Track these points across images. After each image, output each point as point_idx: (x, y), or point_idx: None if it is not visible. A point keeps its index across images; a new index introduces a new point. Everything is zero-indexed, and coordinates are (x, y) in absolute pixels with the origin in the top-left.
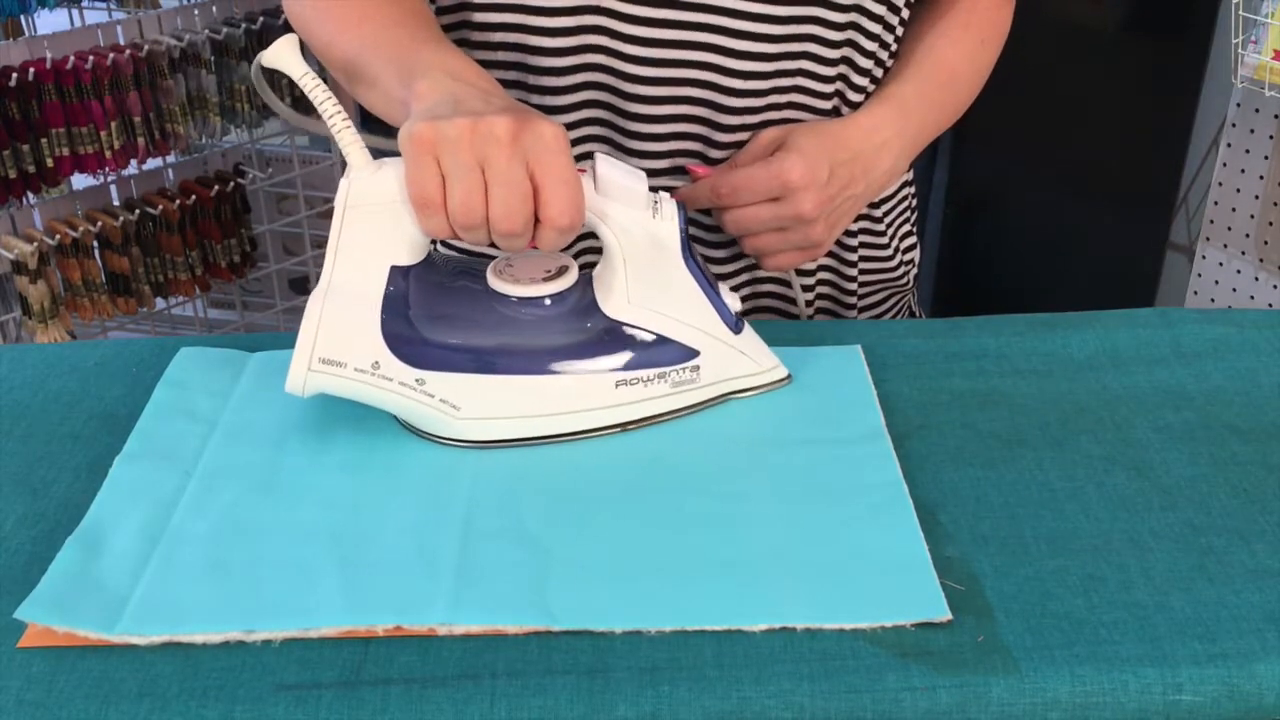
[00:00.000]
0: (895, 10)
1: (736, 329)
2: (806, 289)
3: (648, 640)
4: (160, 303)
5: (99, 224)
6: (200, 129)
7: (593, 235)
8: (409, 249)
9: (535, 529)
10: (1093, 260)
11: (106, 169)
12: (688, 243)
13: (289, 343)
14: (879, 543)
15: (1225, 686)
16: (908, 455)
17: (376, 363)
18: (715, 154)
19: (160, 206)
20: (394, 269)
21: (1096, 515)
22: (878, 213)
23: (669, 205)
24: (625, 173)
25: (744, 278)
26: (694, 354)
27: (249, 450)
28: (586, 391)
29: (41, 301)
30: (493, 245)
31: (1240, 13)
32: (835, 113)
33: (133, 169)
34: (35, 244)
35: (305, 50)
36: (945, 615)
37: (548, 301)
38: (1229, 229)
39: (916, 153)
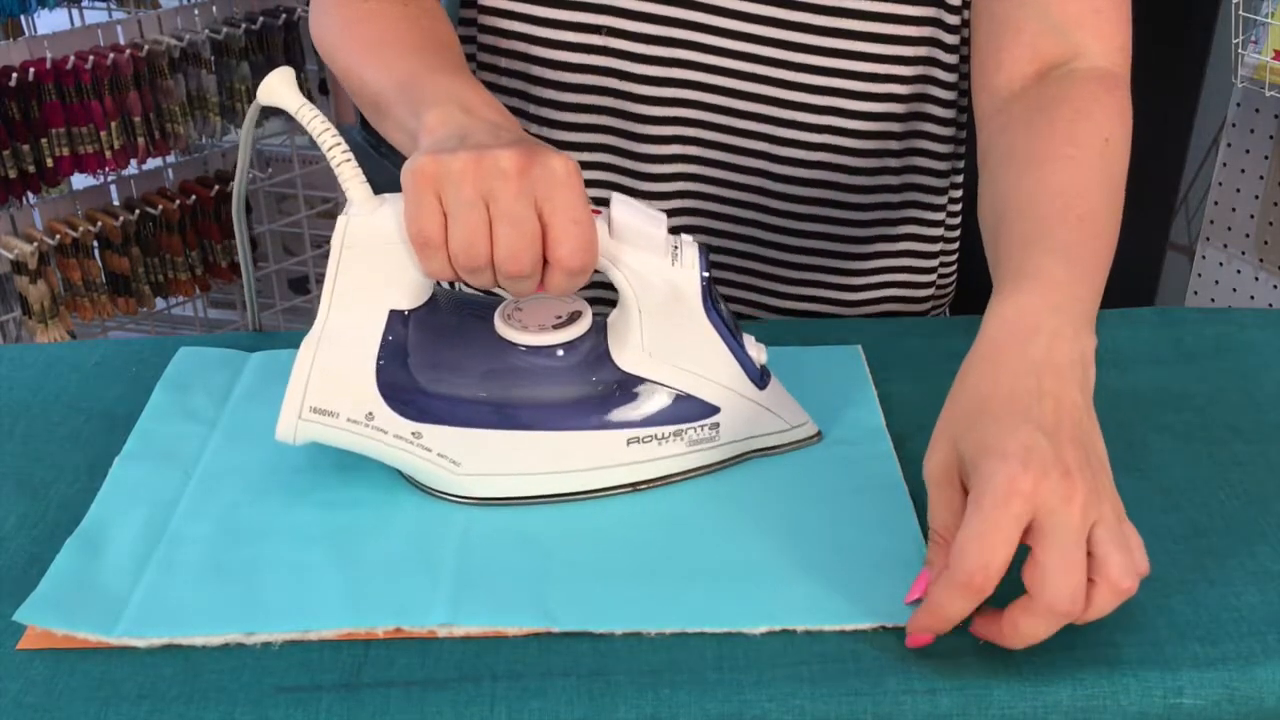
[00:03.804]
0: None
1: (761, 384)
2: (864, 288)
3: (648, 642)
4: (160, 303)
5: (99, 224)
6: (200, 129)
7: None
8: (410, 292)
9: (535, 530)
10: None
11: (106, 169)
12: (710, 291)
13: (288, 342)
14: (880, 544)
15: (1226, 690)
16: (908, 455)
17: (370, 414)
18: (716, 190)
19: (160, 206)
20: (393, 313)
21: None
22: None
23: (690, 250)
24: (643, 216)
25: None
26: (714, 410)
27: (248, 451)
28: (594, 449)
29: (41, 301)
30: (498, 288)
31: (1240, 13)
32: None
33: (133, 169)
34: (35, 244)
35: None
36: None
37: (559, 352)
38: (1229, 229)
39: (1091, 316)
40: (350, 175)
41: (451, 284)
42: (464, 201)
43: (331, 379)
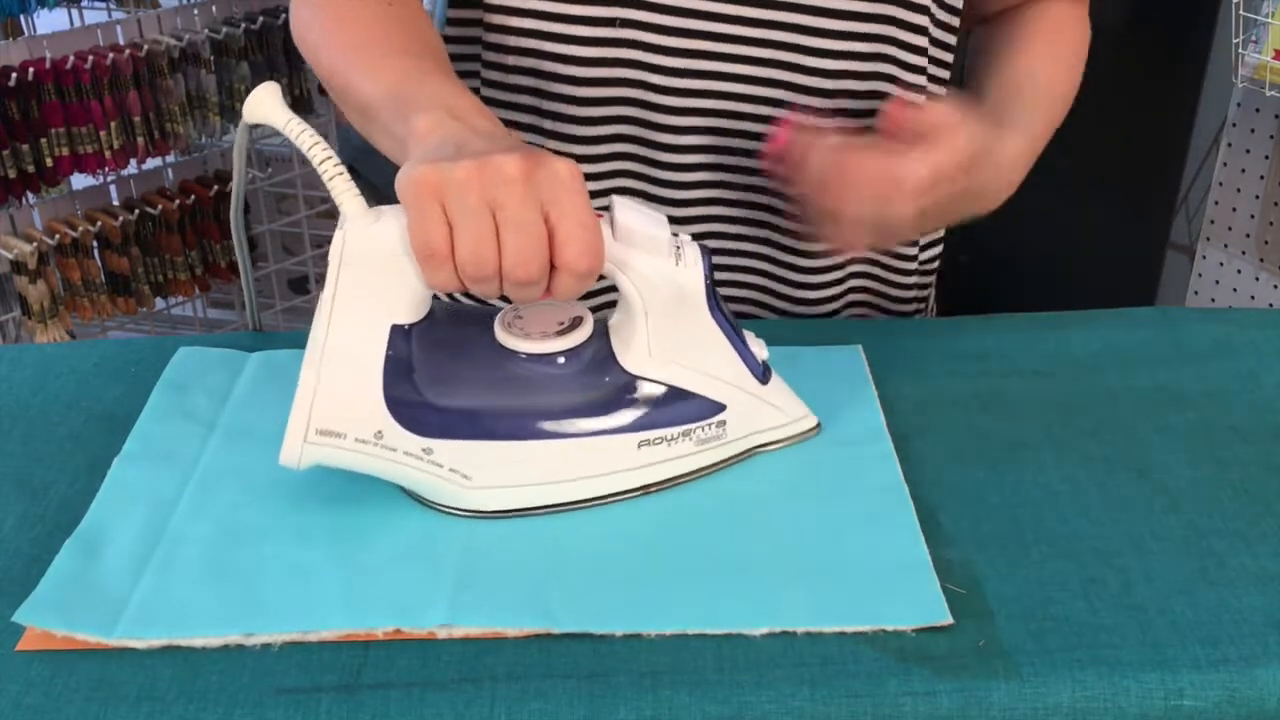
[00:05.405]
0: (930, 32)
1: (763, 379)
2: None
3: (648, 644)
4: (160, 303)
5: (98, 224)
6: (200, 129)
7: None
8: (411, 306)
9: (535, 532)
10: (1093, 260)
11: (106, 169)
12: (713, 290)
13: (288, 342)
14: (880, 545)
15: (1227, 691)
16: (908, 456)
17: (380, 432)
18: (741, 178)
19: (160, 206)
20: (395, 328)
21: (1098, 517)
22: None
23: (692, 250)
24: (645, 218)
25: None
26: (720, 408)
27: (248, 452)
28: (607, 454)
29: (41, 301)
30: (503, 298)
31: (1240, 13)
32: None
33: (132, 169)
34: (35, 244)
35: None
36: (946, 619)
37: (565, 359)
38: (1229, 229)
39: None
40: (344, 188)
41: (451, 296)
42: (470, 210)
43: (337, 399)
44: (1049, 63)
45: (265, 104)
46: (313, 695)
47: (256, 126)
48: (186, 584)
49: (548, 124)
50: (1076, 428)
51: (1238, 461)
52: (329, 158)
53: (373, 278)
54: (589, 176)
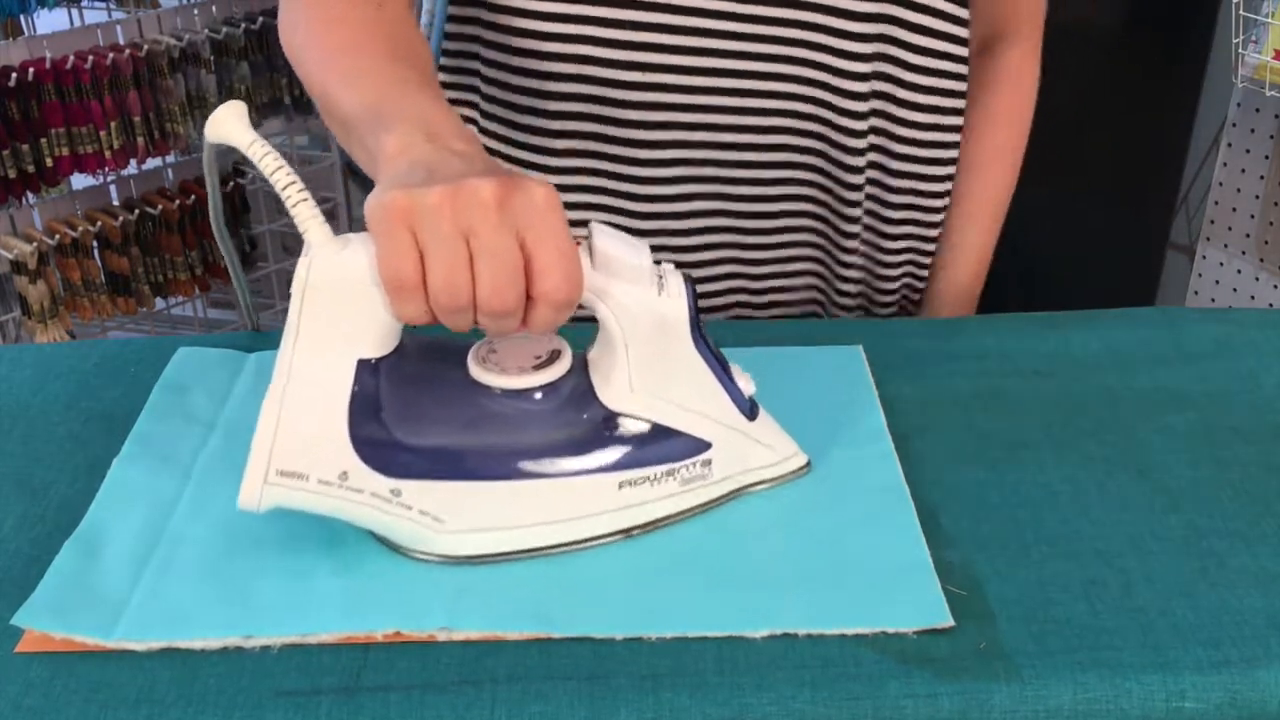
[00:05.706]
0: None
1: (751, 415)
2: (846, 287)
3: (649, 646)
4: (160, 303)
5: (98, 224)
6: (200, 129)
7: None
8: (379, 339)
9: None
10: (1093, 260)
11: (106, 169)
12: (698, 322)
13: None
14: (881, 547)
15: (1228, 693)
16: (909, 456)
17: (345, 473)
18: (734, 196)
19: (160, 206)
20: (362, 363)
21: (1098, 518)
22: (934, 220)
23: (675, 280)
24: (626, 245)
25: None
26: (705, 446)
27: (247, 452)
28: (586, 495)
29: (41, 301)
30: (476, 331)
31: (1240, 13)
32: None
33: (132, 169)
34: (35, 244)
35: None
36: (948, 621)
37: (538, 395)
38: (1229, 229)
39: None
40: (308, 215)
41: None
42: (442, 237)
43: (300, 438)
44: (994, 168)
45: (227, 123)
46: (312, 698)
47: (259, 124)
48: (185, 585)
49: (533, 120)
50: (1076, 428)
51: (1238, 461)
52: (292, 182)
53: (339, 309)
54: (556, 171)
